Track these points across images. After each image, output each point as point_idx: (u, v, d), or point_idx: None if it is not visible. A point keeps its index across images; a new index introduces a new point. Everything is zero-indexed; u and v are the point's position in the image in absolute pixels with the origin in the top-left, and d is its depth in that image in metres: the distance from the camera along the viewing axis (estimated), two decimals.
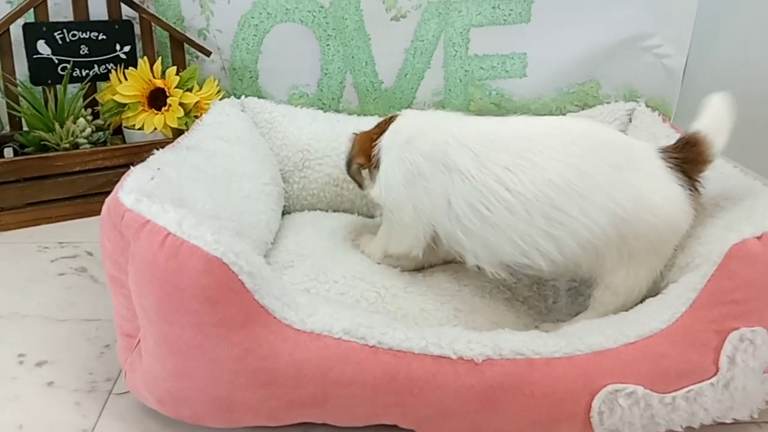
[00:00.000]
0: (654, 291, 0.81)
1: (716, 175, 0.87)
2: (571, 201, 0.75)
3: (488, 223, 0.79)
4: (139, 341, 0.70)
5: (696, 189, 0.78)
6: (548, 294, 0.92)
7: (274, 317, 0.65)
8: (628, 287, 0.79)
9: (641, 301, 0.77)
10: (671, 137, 1.03)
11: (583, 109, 1.49)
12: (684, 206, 0.77)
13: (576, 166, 0.76)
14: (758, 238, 0.66)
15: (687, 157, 0.78)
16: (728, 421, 0.69)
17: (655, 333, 0.67)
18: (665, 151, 0.80)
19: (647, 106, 1.17)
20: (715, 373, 0.66)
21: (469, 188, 0.79)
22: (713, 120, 0.78)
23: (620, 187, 0.76)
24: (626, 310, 0.77)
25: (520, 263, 0.80)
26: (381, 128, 0.94)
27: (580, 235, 0.76)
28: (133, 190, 0.67)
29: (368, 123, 1.17)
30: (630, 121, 1.16)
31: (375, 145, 0.92)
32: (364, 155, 0.94)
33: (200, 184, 0.81)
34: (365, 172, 0.95)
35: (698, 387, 0.66)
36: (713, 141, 0.77)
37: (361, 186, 0.97)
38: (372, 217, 1.15)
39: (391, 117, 0.95)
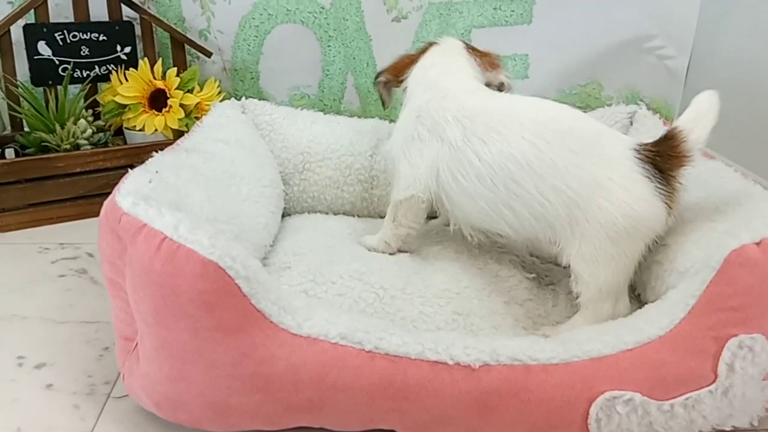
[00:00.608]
0: (653, 296, 0.81)
1: (715, 178, 0.87)
2: (527, 176, 0.83)
3: (463, 189, 0.88)
4: (136, 344, 0.70)
5: (670, 183, 0.79)
6: (547, 297, 0.91)
7: (271, 322, 0.65)
8: (592, 275, 0.81)
9: (640, 306, 0.77)
10: None
11: (584, 110, 1.48)
12: (647, 198, 0.79)
13: (537, 145, 0.83)
14: (757, 244, 0.65)
15: (662, 151, 0.80)
16: (727, 429, 0.68)
17: (653, 339, 0.67)
18: (642, 145, 0.81)
19: (649, 108, 1.16)
20: (714, 380, 0.65)
21: (453, 158, 0.89)
22: (692, 116, 0.79)
23: (574, 171, 0.81)
24: (612, 312, 0.81)
25: (489, 229, 0.89)
26: (419, 54, 1.01)
27: (533, 209, 0.83)
28: (131, 193, 0.67)
29: (369, 125, 1.18)
30: (631, 123, 1.16)
31: (406, 71, 0.99)
32: (393, 73, 1.01)
33: (199, 186, 0.81)
34: (386, 91, 1.03)
35: (697, 394, 0.65)
36: (688, 136, 0.78)
37: (383, 102, 1.04)
38: (371, 217, 1.14)
39: (430, 43, 1.01)
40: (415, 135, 0.92)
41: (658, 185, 0.79)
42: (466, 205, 0.89)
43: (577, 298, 0.83)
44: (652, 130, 1.08)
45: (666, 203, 0.79)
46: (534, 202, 0.83)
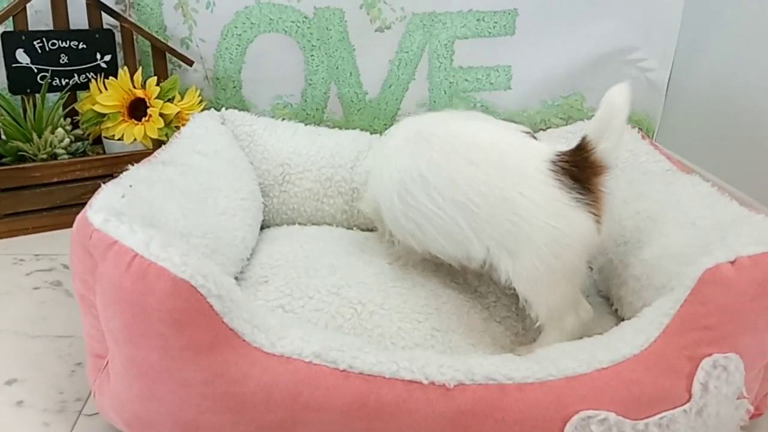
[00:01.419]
0: (630, 312, 0.81)
1: (692, 192, 0.87)
2: (425, 192, 0.83)
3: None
4: (107, 362, 0.69)
5: (592, 192, 0.76)
6: (526, 314, 0.91)
7: (244, 340, 0.64)
8: (536, 294, 0.79)
9: (617, 323, 0.77)
10: (650, 154, 1.03)
11: (567, 121, 1.49)
12: (563, 211, 0.76)
13: (434, 160, 0.83)
14: (731, 263, 0.65)
15: (577, 162, 0.76)
16: None
17: (628, 358, 0.66)
18: (560, 155, 0.78)
19: (628, 121, 1.16)
20: (688, 400, 0.65)
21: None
22: (597, 126, 0.75)
23: (474, 183, 0.79)
24: (576, 321, 0.80)
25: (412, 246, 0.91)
26: None
27: (436, 224, 0.83)
28: (102, 209, 0.66)
29: (350, 137, 1.17)
30: None
31: None
32: None
33: (173, 201, 0.80)
34: None
35: (671, 414, 0.65)
36: (596, 147, 0.74)
37: None
38: (350, 228, 1.14)
39: None
40: None
41: (578, 195, 0.76)
42: (386, 221, 0.93)
43: (536, 320, 0.81)
44: (630, 143, 1.09)
45: (591, 213, 0.76)
46: (434, 216, 0.83)
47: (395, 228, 0.92)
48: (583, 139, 0.76)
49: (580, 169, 0.76)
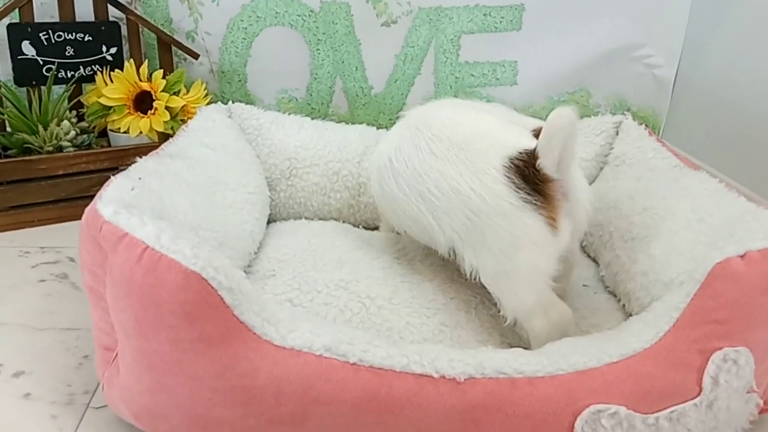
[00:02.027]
0: (638, 308, 0.81)
1: (700, 189, 0.87)
2: (393, 179, 0.87)
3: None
4: (116, 355, 0.69)
5: (542, 193, 0.74)
6: None
7: (254, 333, 0.64)
8: (500, 293, 0.79)
9: (625, 318, 0.77)
10: (657, 150, 1.03)
11: None
12: (505, 208, 0.75)
13: (401, 148, 0.86)
14: (741, 257, 0.66)
15: (531, 163, 0.74)
16: None
17: (638, 352, 0.66)
18: (521, 153, 0.76)
19: (635, 118, 1.17)
20: (699, 394, 0.65)
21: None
22: (544, 142, 0.73)
23: (432, 174, 0.81)
24: (546, 324, 0.78)
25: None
26: None
27: (407, 210, 0.85)
28: (112, 201, 0.66)
29: (357, 131, 1.17)
30: (617, 133, 1.16)
31: None
32: None
33: (182, 194, 0.80)
34: None
35: (681, 407, 0.65)
36: (541, 161, 0.73)
37: None
38: (356, 226, 1.14)
39: None
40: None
41: (526, 196, 0.74)
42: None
43: (504, 320, 0.80)
44: (637, 140, 1.09)
45: (542, 215, 0.74)
46: (403, 203, 0.86)
47: (380, 210, 0.98)
48: (534, 148, 0.74)
49: (531, 172, 0.74)
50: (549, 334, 0.77)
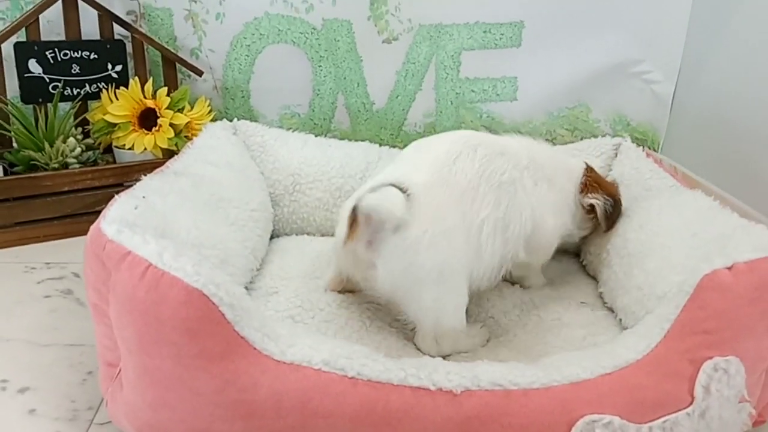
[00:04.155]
0: (633, 321, 0.82)
1: (695, 206, 0.89)
2: None
3: None
4: (120, 371, 0.70)
5: None
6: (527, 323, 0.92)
7: (254, 348, 0.65)
8: None
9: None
10: (654, 171, 1.05)
11: (572, 132, 1.51)
12: None
13: None
14: (729, 268, 0.67)
15: None
16: None
17: (630, 363, 0.68)
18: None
19: (634, 133, 1.19)
20: (691, 403, 0.66)
21: None
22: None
23: None
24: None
25: None
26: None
27: None
28: (116, 220, 0.68)
29: (360, 148, 1.18)
30: (616, 155, 1.18)
31: None
32: None
33: (185, 212, 0.81)
34: None
35: (674, 417, 0.66)
36: None
37: None
38: None
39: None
40: None
41: None
42: None
43: None
44: (635, 162, 1.11)
45: None
46: None
47: None
48: None
49: None
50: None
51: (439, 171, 0.82)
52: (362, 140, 1.24)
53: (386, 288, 0.80)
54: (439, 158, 0.83)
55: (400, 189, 0.78)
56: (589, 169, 0.99)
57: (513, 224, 0.85)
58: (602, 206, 0.95)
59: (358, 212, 0.76)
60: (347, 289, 0.93)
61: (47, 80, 1.27)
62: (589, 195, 0.95)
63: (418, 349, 0.84)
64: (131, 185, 0.83)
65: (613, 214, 0.97)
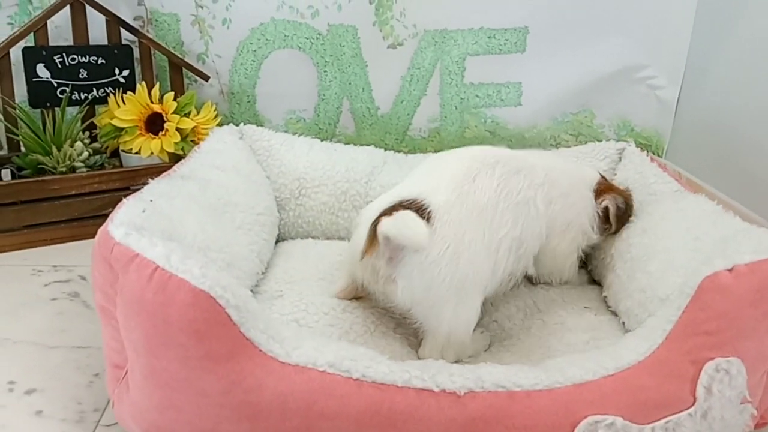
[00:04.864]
0: (636, 324, 0.82)
1: (698, 210, 0.90)
2: None
3: None
4: (126, 372, 0.71)
5: None
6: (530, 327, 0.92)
7: (260, 350, 0.66)
8: None
9: None
10: (659, 176, 1.06)
11: (576, 137, 1.51)
12: None
13: None
14: (729, 270, 0.68)
15: None
16: None
17: (633, 365, 0.68)
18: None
19: (638, 138, 1.19)
20: (693, 404, 0.67)
21: None
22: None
23: None
24: None
25: None
26: None
27: None
28: (123, 223, 0.69)
29: (365, 152, 1.19)
30: (620, 159, 1.18)
31: None
32: None
33: (192, 215, 0.82)
34: None
35: (677, 417, 0.66)
36: None
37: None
38: None
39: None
40: None
41: None
42: None
43: None
44: (639, 166, 1.11)
45: None
46: None
47: None
48: None
49: None
50: None
51: (459, 189, 0.83)
52: (367, 145, 1.25)
53: (406, 302, 0.81)
54: (458, 176, 0.84)
55: (421, 206, 0.80)
56: (603, 179, 1.01)
57: (526, 242, 0.87)
58: (614, 206, 0.96)
59: (378, 234, 0.77)
60: (356, 296, 0.94)
61: (55, 85, 1.28)
62: (604, 196, 0.97)
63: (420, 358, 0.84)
64: (138, 189, 0.84)
65: (625, 213, 0.98)
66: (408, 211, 0.78)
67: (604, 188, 0.98)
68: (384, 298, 0.85)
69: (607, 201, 0.96)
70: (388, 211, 0.79)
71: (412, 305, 0.81)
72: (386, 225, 0.76)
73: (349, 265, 0.91)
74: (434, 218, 0.79)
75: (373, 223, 0.79)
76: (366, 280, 0.85)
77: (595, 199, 0.97)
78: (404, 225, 0.77)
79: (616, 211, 0.96)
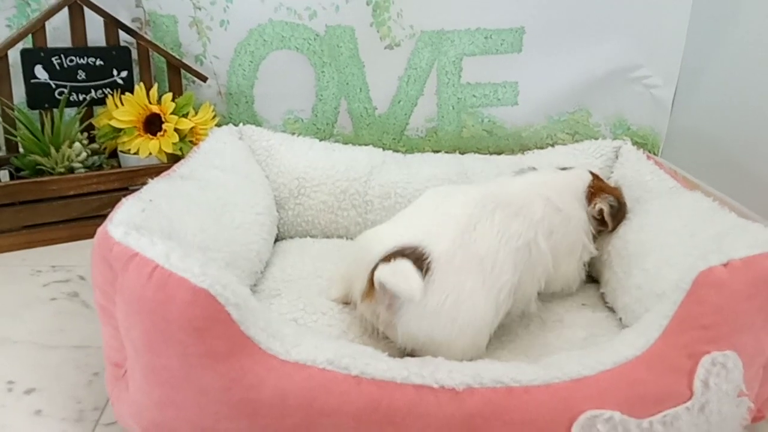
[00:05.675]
0: (633, 320, 0.83)
1: (694, 207, 0.90)
2: None
3: None
4: (125, 371, 0.71)
5: None
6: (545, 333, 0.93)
7: (260, 348, 0.66)
8: None
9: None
10: (655, 173, 1.06)
11: (573, 136, 1.52)
12: None
13: None
14: (724, 265, 0.68)
15: None
16: None
17: (630, 360, 0.69)
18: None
19: (634, 137, 1.20)
20: (690, 397, 0.67)
21: None
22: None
23: None
24: None
25: None
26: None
27: None
28: (123, 222, 0.69)
29: (364, 152, 1.19)
30: (616, 157, 1.19)
31: None
32: None
33: (191, 215, 0.82)
34: None
35: (674, 411, 0.67)
36: None
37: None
38: None
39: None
40: None
41: None
42: None
43: None
44: (636, 164, 1.12)
45: None
46: None
47: None
48: None
49: None
50: None
51: (460, 238, 0.82)
52: (365, 145, 1.25)
53: (407, 346, 0.82)
54: (459, 224, 0.84)
55: (422, 255, 0.79)
56: (594, 179, 1.01)
57: (526, 284, 0.87)
58: (608, 206, 0.97)
59: (375, 281, 0.77)
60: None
61: (53, 86, 1.28)
62: (595, 200, 0.97)
63: None
64: (136, 189, 0.84)
65: (619, 212, 0.98)
66: (406, 261, 0.78)
67: (595, 190, 0.99)
68: (387, 334, 0.84)
69: (600, 203, 0.97)
70: (388, 258, 0.79)
71: (414, 348, 0.82)
72: (383, 273, 0.76)
73: (344, 278, 0.92)
74: (434, 267, 0.79)
75: (372, 269, 0.79)
76: (368, 316, 0.85)
77: (588, 203, 0.97)
78: (401, 275, 0.77)
79: (610, 211, 0.97)
